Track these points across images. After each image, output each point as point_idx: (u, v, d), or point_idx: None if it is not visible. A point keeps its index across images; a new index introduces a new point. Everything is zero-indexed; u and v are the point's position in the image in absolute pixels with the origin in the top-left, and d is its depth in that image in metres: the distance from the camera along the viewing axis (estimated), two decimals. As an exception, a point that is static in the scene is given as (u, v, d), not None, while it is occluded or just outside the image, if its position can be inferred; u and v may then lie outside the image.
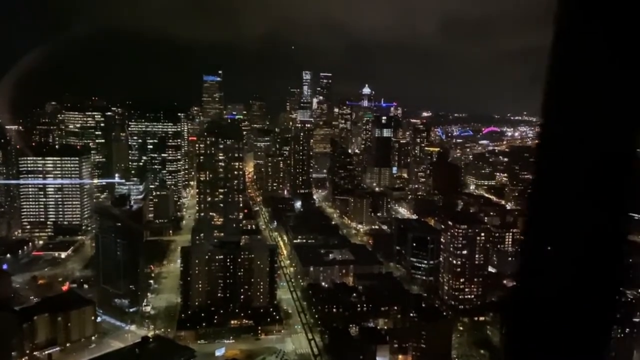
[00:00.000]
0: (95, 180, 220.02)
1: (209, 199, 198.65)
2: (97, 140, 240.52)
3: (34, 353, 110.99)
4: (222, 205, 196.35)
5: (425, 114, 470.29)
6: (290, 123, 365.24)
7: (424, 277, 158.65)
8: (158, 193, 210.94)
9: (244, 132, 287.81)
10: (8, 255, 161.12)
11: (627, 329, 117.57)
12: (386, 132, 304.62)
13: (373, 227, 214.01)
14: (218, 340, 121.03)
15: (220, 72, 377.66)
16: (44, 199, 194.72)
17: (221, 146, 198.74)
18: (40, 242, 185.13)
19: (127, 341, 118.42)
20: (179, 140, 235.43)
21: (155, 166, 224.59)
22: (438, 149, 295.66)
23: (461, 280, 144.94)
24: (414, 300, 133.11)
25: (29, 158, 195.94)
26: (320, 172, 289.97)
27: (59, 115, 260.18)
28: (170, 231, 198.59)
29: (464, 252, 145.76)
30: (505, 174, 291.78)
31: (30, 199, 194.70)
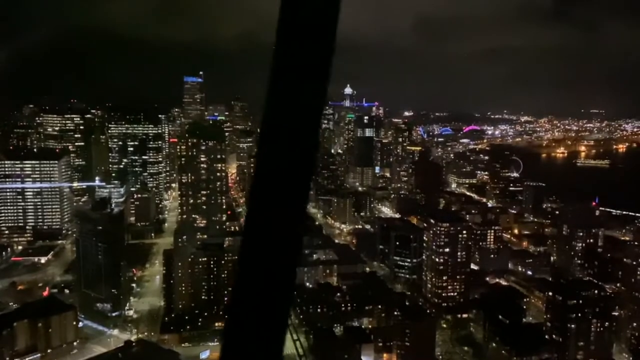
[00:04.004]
0: (75, 184, 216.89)
1: (192, 201, 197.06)
2: (76, 143, 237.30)
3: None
4: (204, 207, 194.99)
5: (407, 114, 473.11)
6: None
7: (407, 276, 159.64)
8: (139, 196, 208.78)
9: (226, 134, 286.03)
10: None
11: (607, 323, 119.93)
12: (368, 132, 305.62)
13: (356, 226, 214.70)
14: (202, 342, 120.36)
15: (201, 73, 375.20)
16: (23, 204, 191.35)
17: (203, 148, 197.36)
18: (19, 247, 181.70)
19: (109, 346, 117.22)
20: (160, 142, 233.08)
21: (136, 168, 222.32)
22: (420, 148, 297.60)
23: (444, 278, 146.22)
24: (398, 298, 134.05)
25: (6, 162, 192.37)
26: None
27: (37, 118, 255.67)
28: (152, 234, 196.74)
29: (447, 250, 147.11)
30: (486, 172, 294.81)
31: (9, 204, 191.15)
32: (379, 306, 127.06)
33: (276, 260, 2.86)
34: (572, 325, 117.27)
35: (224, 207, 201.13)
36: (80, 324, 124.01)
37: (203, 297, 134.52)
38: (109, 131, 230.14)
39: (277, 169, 2.84)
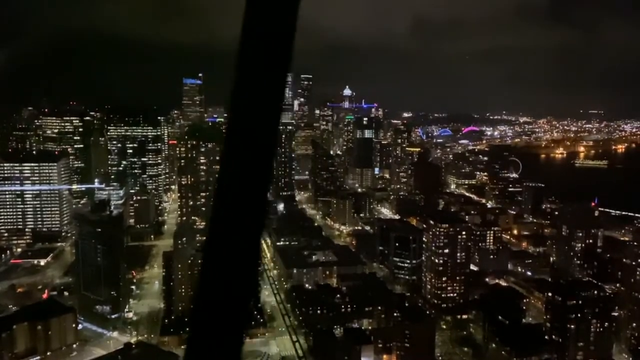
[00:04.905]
0: (75, 186, 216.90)
1: (191, 203, 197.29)
2: (75, 145, 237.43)
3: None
4: (204, 209, 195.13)
5: (406, 115, 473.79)
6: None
7: (407, 277, 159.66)
8: (138, 198, 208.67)
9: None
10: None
11: (606, 323, 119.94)
12: (367, 133, 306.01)
13: (356, 227, 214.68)
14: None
15: (200, 75, 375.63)
16: (22, 206, 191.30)
17: (202, 150, 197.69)
18: (19, 249, 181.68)
19: (109, 348, 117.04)
20: (159, 144, 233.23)
21: (136, 170, 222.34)
22: (419, 149, 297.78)
23: (443, 278, 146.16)
24: (398, 299, 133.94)
25: (5, 164, 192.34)
26: (302, 174, 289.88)
27: (36, 121, 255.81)
28: (152, 236, 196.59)
29: (446, 250, 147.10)
30: (485, 173, 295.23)
31: (8, 206, 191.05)
32: (379, 307, 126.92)
33: (235, 259, 3.09)
34: (572, 326, 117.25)
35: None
36: (80, 327, 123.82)
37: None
38: (108, 133, 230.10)
39: (238, 167, 3.00)
